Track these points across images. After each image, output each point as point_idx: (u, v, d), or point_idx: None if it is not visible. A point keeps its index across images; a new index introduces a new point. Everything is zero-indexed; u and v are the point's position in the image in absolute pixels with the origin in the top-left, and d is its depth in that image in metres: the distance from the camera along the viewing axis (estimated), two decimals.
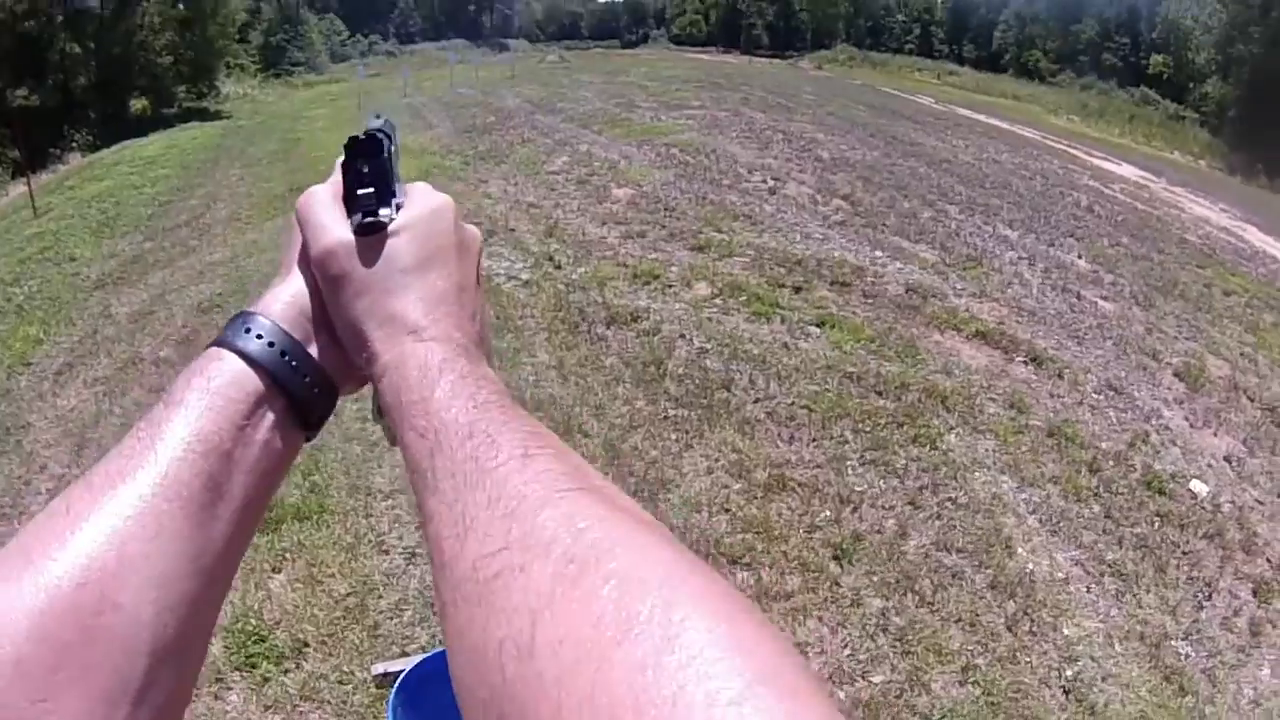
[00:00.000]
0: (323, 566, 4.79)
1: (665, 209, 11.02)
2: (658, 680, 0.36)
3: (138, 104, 32.85)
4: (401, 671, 2.73)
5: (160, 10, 33.50)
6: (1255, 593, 5.59)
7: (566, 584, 0.43)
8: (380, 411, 0.68)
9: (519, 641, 0.41)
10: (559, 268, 9.13)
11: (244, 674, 4.14)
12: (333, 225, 0.72)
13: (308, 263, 0.73)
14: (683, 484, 5.72)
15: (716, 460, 6.00)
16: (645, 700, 0.36)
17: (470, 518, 0.51)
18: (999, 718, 4.31)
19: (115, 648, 0.54)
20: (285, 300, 0.73)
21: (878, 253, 10.09)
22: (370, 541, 5.02)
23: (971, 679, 4.49)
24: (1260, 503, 6.54)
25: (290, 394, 0.68)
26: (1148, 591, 5.38)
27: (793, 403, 6.72)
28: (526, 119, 18.70)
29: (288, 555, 4.85)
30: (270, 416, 0.67)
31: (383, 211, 0.72)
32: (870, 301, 8.69)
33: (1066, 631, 4.92)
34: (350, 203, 0.73)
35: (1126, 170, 24.27)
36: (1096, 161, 24.65)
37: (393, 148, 0.80)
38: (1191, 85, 47.73)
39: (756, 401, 6.72)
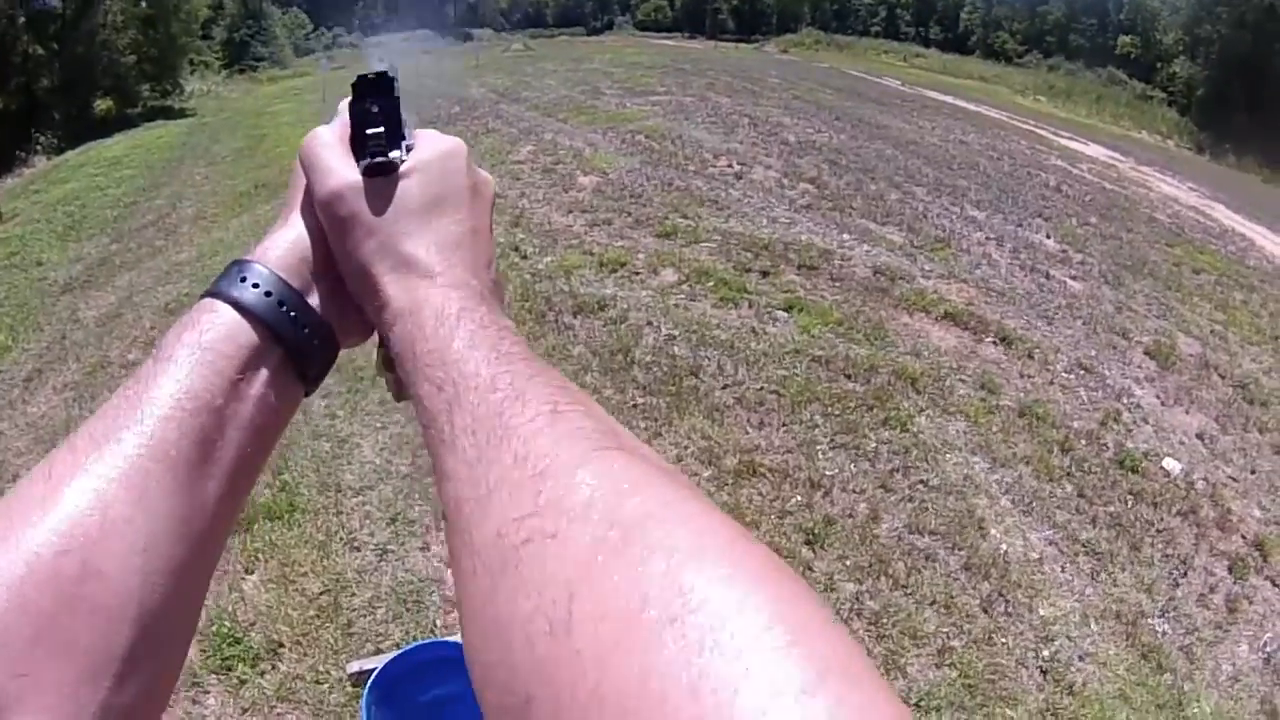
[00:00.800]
0: (295, 566, 4.76)
1: (631, 196, 10.95)
2: (717, 663, 0.34)
3: (102, 104, 32.52)
4: (376, 669, 2.72)
5: (123, 9, 33.18)
6: (1231, 569, 5.64)
7: (608, 553, 0.40)
8: (387, 363, 0.66)
9: (552, 615, 0.39)
10: (525, 258, 9.07)
11: (220, 677, 4.11)
12: (339, 166, 0.69)
13: (311, 208, 0.70)
14: None
15: (686, 448, 5.98)
16: (704, 686, 0.33)
17: (495, 478, 0.48)
18: (976, 699, 4.32)
19: (99, 618, 0.51)
20: (284, 247, 0.70)
21: (845, 235, 10.07)
22: (341, 539, 4.99)
23: (948, 661, 4.50)
24: (1233, 479, 6.59)
25: (288, 346, 0.66)
26: (1123, 570, 5.41)
27: (761, 388, 6.70)
28: (491, 108, 18.55)
29: (260, 555, 4.82)
30: (266, 371, 0.64)
31: (393, 153, 0.69)
32: (838, 284, 8.68)
33: (1042, 611, 4.95)
34: (358, 144, 0.70)
35: (1094, 150, 24.41)
36: (1064, 142, 24.78)
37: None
38: (1159, 65, 48.15)
39: (725, 387, 6.69)
